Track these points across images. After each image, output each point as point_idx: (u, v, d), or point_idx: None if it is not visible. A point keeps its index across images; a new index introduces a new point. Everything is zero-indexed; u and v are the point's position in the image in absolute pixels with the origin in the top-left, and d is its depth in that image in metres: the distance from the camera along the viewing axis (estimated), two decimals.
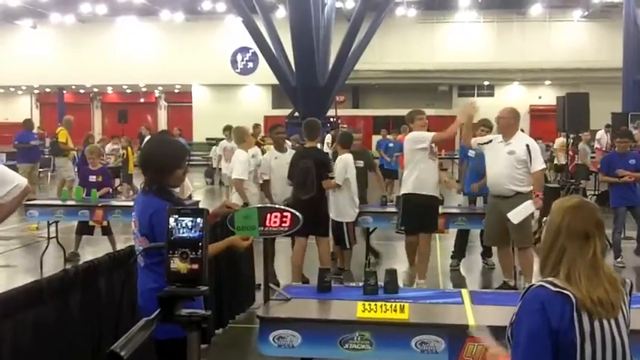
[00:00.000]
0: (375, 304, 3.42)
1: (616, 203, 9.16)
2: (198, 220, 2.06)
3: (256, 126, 17.40)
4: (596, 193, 15.83)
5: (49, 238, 8.88)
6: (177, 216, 2.06)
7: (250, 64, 32.37)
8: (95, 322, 4.02)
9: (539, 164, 7.02)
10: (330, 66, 23.29)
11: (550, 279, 2.39)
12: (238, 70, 32.85)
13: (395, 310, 3.35)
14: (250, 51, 31.03)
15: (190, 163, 23.25)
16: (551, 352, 2.29)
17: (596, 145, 17.21)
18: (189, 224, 2.05)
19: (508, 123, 7.29)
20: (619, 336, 2.37)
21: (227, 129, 15.26)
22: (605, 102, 24.31)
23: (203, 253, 2.03)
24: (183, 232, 2.04)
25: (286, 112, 26.18)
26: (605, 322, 2.34)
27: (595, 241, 2.42)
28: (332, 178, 7.40)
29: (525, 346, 2.32)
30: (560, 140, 18.27)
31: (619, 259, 9.00)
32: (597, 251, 2.42)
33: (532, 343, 2.31)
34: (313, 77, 22.21)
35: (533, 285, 2.43)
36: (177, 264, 2.02)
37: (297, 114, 23.37)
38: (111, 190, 9.64)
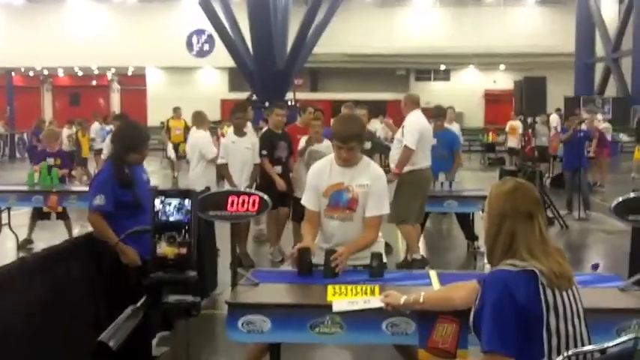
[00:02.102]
0: (346, 287, 3.40)
1: None
2: (186, 201, 1.98)
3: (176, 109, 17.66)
4: (551, 175, 16.18)
5: (0, 225, 8.67)
6: (163, 198, 1.98)
7: (206, 47, 31.97)
8: (59, 312, 3.92)
9: (405, 141, 7.38)
10: (289, 49, 23.15)
11: (509, 262, 2.45)
12: (194, 53, 32.43)
13: (365, 293, 3.34)
14: (206, 33, 30.65)
15: None
16: (515, 320, 2.34)
17: (553, 131, 17.56)
18: (176, 206, 1.97)
19: (403, 108, 7.72)
20: (576, 307, 2.47)
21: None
22: (559, 86, 24.70)
23: (192, 236, 1.96)
24: (169, 215, 1.96)
25: (244, 95, 25.95)
26: (564, 293, 2.43)
27: (538, 219, 2.52)
28: None
29: (491, 316, 2.37)
30: (510, 123, 18.54)
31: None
32: (542, 228, 2.53)
33: (497, 311, 2.37)
34: (271, 60, 22.07)
35: (492, 270, 2.48)
36: (163, 249, 1.94)
37: (255, 97, 23.19)
38: (69, 171, 9.46)
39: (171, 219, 1.99)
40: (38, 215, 9.00)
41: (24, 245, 8.82)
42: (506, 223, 2.51)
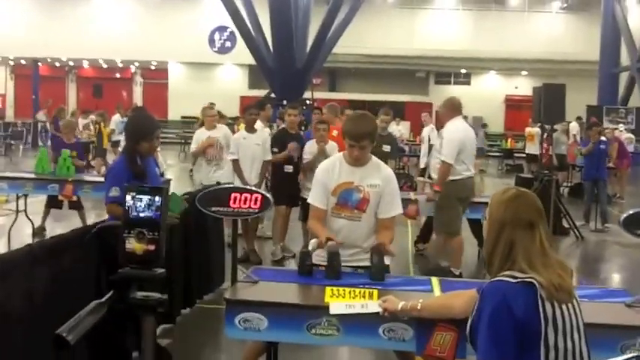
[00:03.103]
0: (344, 290, 3.37)
1: None
2: (157, 198, 1.96)
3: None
4: (570, 184, 16.01)
5: (17, 212, 8.74)
6: (134, 194, 1.97)
7: (228, 44, 32.02)
8: (63, 299, 3.92)
9: (442, 155, 7.14)
10: (308, 48, 23.14)
11: (508, 272, 2.39)
12: (215, 49, 32.50)
13: (363, 297, 3.31)
14: (228, 30, 30.70)
15: (164, 140, 22.99)
16: (512, 333, 2.28)
17: (572, 140, 17.39)
18: (147, 203, 1.96)
19: (443, 114, 7.49)
20: (576, 321, 2.39)
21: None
22: (581, 94, 24.49)
23: (161, 233, 1.94)
24: (140, 211, 1.95)
25: (262, 92, 26.00)
26: (564, 307, 2.36)
27: (540, 229, 2.45)
28: None
29: (487, 327, 2.31)
30: (528, 130, 18.36)
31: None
32: (543, 238, 2.45)
33: (493, 323, 2.30)
34: (291, 59, 22.08)
35: (491, 280, 2.43)
36: (132, 244, 1.93)
37: (273, 95, 23.22)
38: (84, 164, 9.53)
39: (142, 215, 1.97)
40: (51, 203, 9.09)
41: (38, 232, 8.91)
42: (506, 232, 2.46)
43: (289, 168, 8.03)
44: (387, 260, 3.85)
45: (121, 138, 9.92)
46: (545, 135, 11.60)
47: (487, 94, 32.83)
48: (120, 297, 1.94)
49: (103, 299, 1.92)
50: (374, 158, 4.05)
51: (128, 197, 1.99)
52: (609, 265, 9.42)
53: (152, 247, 1.95)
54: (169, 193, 3.74)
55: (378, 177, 3.97)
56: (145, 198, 1.97)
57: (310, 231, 4.14)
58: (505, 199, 2.51)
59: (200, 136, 8.64)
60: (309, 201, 4.10)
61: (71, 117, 17.86)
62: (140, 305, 1.97)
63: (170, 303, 5.36)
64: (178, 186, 7.88)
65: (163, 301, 1.99)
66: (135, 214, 1.98)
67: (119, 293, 1.94)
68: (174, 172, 17.56)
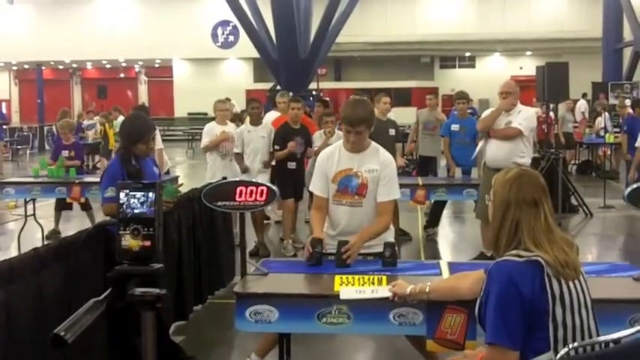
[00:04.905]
0: (353, 277, 3.38)
1: None
2: (150, 194, 1.98)
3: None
4: (577, 162, 15.99)
5: (26, 216, 8.77)
6: (128, 191, 1.98)
7: (231, 38, 32.01)
8: (70, 302, 3.95)
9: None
10: (312, 39, 23.07)
11: (514, 252, 2.42)
12: (219, 44, 32.49)
13: (373, 283, 3.32)
14: (231, 24, 30.67)
15: (172, 138, 23.03)
16: (520, 312, 2.31)
17: (580, 117, 17.31)
18: (141, 199, 1.98)
19: (516, 97, 7.33)
20: (583, 298, 2.42)
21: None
22: (585, 71, 24.34)
23: (156, 229, 1.95)
24: (134, 208, 1.96)
25: (268, 85, 25.95)
26: (570, 284, 2.39)
27: (544, 206, 2.48)
28: None
29: (495, 307, 2.34)
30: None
31: None
32: (548, 215, 2.48)
33: (501, 303, 2.34)
34: (294, 50, 22.00)
35: (497, 260, 2.45)
36: (128, 241, 1.94)
37: (278, 87, 23.18)
38: (80, 163, 9.48)
39: (136, 211, 1.99)
40: (61, 206, 9.13)
41: (52, 236, 8.92)
42: (511, 211, 2.48)
43: (292, 165, 8.01)
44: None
45: None
46: (551, 114, 11.58)
47: (492, 76, 32.53)
48: (119, 294, 1.96)
49: (101, 297, 1.94)
50: (373, 144, 4.08)
51: (122, 194, 2.01)
52: (620, 240, 9.37)
53: (148, 243, 1.97)
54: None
55: (376, 162, 3.98)
56: (139, 195, 1.99)
57: (310, 222, 4.16)
58: (508, 179, 2.54)
59: (213, 130, 8.69)
60: (310, 189, 4.13)
61: (77, 119, 17.93)
62: (139, 301, 1.98)
63: (182, 300, 5.46)
64: (187, 182, 7.88)
65: (162, 297, 2.00)
66: (129, 211, 2.00)
67: (118, 290, 1.96)
68: (183, 168, 17.61)
